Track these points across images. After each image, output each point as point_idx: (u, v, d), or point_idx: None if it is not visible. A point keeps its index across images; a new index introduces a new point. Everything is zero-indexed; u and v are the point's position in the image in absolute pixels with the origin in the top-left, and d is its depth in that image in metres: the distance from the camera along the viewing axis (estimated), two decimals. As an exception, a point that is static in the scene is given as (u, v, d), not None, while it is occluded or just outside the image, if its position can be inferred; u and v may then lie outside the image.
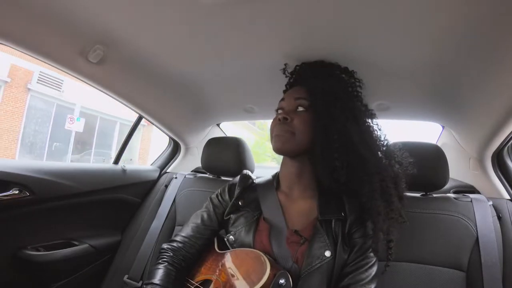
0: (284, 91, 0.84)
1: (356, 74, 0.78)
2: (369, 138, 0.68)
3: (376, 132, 0.70)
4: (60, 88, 6.90)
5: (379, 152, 0.68)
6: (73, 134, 6.99)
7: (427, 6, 0.58)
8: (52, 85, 6.81)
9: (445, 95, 0.91)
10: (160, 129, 1.36)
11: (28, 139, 6.76)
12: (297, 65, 0.81)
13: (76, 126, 6.95)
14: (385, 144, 0.69)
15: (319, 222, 0.67)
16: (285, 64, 0.82)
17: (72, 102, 7.00)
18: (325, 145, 0.66)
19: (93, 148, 7.98)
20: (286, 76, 0.84)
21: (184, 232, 0.78)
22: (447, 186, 0.93)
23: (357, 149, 0.65)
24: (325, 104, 0.67)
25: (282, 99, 0.75)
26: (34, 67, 6.23)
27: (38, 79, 6.53)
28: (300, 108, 0.70)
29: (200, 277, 0.71)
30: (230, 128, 1.75)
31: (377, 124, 0.71)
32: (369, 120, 0.71)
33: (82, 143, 7.87)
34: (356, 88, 0.76)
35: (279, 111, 0.74)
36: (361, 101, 0.74)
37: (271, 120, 0.74)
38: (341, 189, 0.69)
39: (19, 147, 6.49)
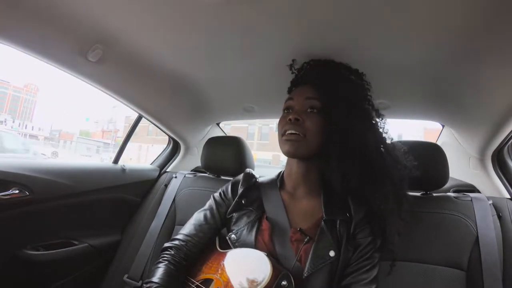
0: (289, 89, 0.81)
1: (365, 76, 0.75)
2: (383, 145, 0.68)
3: (387, 138, 0.69)
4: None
5: (389, 157, 0.67)
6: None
7: (427, 6, 0.58)
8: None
9: (445, 94, 0.91)
10: (160, 128, 1.36)
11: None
12: (305, 62, 0.78)
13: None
14: (392, 147, 0.69)
15: (324, 222, 0.66)
16: (293, 60, 0.79)
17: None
18: (341, 153, 0.65)
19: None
20: (293, 73, 0.81)
21: (186, 231, 0.77)
22: (447, 185, 0.93)
23: (373, 158, 0.65)
24: (342, 110, 0.65)
25: (290, 98, 0.72)
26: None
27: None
28: (312, 109, 0.68)
29: (201, 276, 0.70)
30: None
31: (383, 125, 0.70)
32: (381, 127, 0.70)
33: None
34: (366, 91, 0.73)
35: (287, 111, 0.72)
36: (372, 105, 0.72)
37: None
38: (347, 191, 0.68)
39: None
